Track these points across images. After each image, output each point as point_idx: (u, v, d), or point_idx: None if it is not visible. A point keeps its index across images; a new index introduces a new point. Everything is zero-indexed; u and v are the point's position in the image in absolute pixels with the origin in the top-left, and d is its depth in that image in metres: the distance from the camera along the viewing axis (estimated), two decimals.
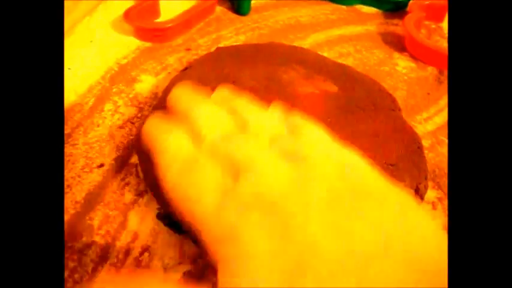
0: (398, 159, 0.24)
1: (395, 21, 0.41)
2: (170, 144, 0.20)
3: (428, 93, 0.33)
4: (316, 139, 0.19)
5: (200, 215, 0.17)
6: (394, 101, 0.28)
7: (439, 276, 0.14)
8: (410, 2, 0.41)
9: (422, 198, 0.23)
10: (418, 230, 0.16)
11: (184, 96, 0.23)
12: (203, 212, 0.17)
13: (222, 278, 0.16)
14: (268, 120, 0.21)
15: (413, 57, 0.36)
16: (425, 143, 0.25)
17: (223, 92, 0.23)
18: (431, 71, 0.35)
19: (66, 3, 0.39)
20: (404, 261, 0.14)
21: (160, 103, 0.28)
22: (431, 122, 0.30)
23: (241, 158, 0.18)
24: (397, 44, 0.38)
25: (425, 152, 0.26)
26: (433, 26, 0.40)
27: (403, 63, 0.36)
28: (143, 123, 0.27)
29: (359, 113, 0.26)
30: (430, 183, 0.25)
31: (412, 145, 0.25)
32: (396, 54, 0.37)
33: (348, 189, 0.17)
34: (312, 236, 0.15)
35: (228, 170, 0.18)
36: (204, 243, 0.17)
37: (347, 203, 0.16)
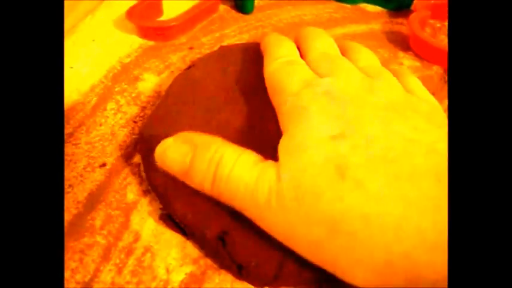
0: None
1: (400, 20, 0.40)
2: (281, 47, 0.26)
3: (434, 93, 0.33)
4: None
5: (284, 93, 0.23)
6: None
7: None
8: (415, 0, 0.41)
9: None
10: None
11: (308, 30, 0.28)
12: (287, 91, 0.22)
13: (283, 143, 0.20)
14: (369, 56, 0.27)
15: (418, 56, 0.36)
16: None
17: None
18: (436, 70, 0.35)
19: (67, 2, 0.39)
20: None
21: (163, 102, 0.27)
22: None
23: (331, 68, 0.23)
24: (402, 43, 0.37)
25: None
26: (438, 25, 0.40)
27: (407, 62, 0.35)
28: (146, 122, 0.27)
29: None
30: None
31: None
32: (401, 53, 0.36)
33: (404, 104, 0.21)
34: (364, 127, 0.19)
35: (318, 73, 0.23)
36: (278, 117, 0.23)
37: (400, 112, 0.20)
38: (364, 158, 0.18)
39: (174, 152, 0.21)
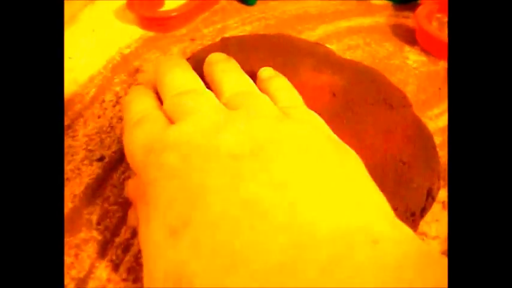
0: (411, 157, 0.23)
1: (406, 13, 0.39)
2: (134, 104, 0.22)
3: (440, 88, 0.32)
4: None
5: (134, 166, 0.20)
6: (404, 96, 0.27)
7: None
8: None
9: (434, 199, 0.22)
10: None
11: (165, 63, 0.24)
12: (134, 162, 0.19)
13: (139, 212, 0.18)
14: (241, 81, 0.23)
15: (425, 51, 0.35)
16: (436, 139, 0.24)
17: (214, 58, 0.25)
18: (442, 65, 0.34)
19: None
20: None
21: None
22: (442, 118, 0.29)
23: (184, 110, 0.20)
24: (408, 36, 0.37)
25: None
26: (445, 19, 0.39)
27: (413, 57, 0.35)
28: None
29: (368, 108, 0.25)
30: (441, 182, 0.24)
31: (425, 143, 0.24)
32: (407, 48, 0.36)
33: (271, 139, 0.18)
34: (208, 199, 0.16)
35: (172, 119, 0.20)
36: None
37: (260, 157, 0.17)
38: (206, 260, 0.15)
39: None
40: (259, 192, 0.16)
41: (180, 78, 0.22)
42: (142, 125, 0.20)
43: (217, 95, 0.21)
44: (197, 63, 0.24)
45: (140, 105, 0.21)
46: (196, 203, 0.16)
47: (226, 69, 0.23)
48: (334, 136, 0.20)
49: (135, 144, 0.19)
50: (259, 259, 0.14)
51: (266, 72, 0.24)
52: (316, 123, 0.21)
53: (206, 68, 0.24)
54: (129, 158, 0.20)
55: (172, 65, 0.23)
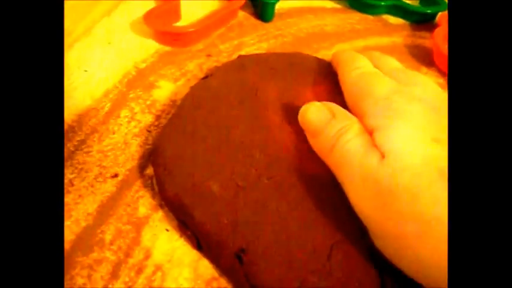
0: None
1: (423, 33, 0.39)
2: (359, 59, 0.28)
3: None
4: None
5: (372, 96, 0.24)
6: None
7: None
8: (439, 14, 0.40)
9: None
10: None
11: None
12: (376, 94, 0.24)
13: (382, 137, 0.21)
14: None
15: (442, 73, 0.35)
16: None
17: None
18: None
19: (84, 3, 0.39)
20: None
21: (178, 112, 0.27)
22: None
23: (410, 80, 0.25)
24: (425, 57, 0.36)
25: None
26: None
27: (431, 79, 0.34)
28: (160, 132, 0.26)
29: None
30: None
31: None
32: (424, 69, 0.35)
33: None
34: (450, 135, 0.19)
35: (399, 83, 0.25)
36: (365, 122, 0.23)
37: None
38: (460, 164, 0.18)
39: (315, 112, 0.24)
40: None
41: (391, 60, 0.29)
42: (378, 75, 0.26)
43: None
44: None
45: (365, 61, 0.28)
46: (443, 132, 0.20)
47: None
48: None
49: (380, 83, 0.24)
50: None
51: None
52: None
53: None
54: (365, 89, 0.25)
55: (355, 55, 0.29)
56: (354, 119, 0.23)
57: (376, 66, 0.27)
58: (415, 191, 0.18)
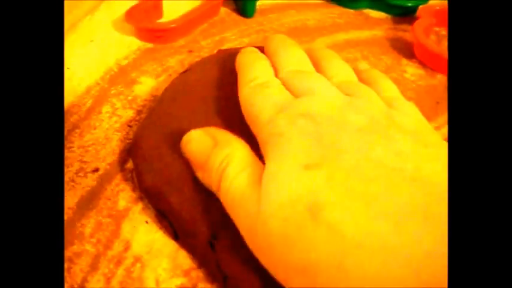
0: None
1: (404, 26, 0.40)
2: (253, 67, 0.25)
3: (438, 102, 0.32)
4: (376, 98, 0.23)
5: (259, 120, 0.21)
6: None
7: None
8: (420, 7, 0.40)
9: None
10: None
11: (278, 39, 0.28)
12: (262, 118, 0.21)
13: (265, 169, 0.19)
14: (343, 66, 0.26)
15: (422, 64, 0.35)
16: None
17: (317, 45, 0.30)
18: (440, 79, 0.34)
19: (67, 2, 0.38)
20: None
21: (157, 105, 0.27)
22: (440, 133, 0.29)
23: (306, 87, 0.22)
24: (406, 50, 0.37)
25: None
26: (443, 32, 0.39)
27: (411, 70, 0.35)
28: (139, 126, 0.26)
29: None
30: None
31: None
32: (404, 61, 0.36)
33: (386, 122, 0.20)
34: (342, 153, 0.18)
35: (293, 93, 0.22)
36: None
37: (381, 133, 0.19)
38: (340, 194, 0.17)
39: (197, 143, 0.22)
40: (386, 156, 0.18)
41: (297, 57, 0.26)
42: (269, 88, 0.23)
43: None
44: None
45: (260, 69, 0.25)
46: (330, 153, 0.18)
47: (328, 57, 0.27)
48: (428, 124, 0.23)
49: (265, 102, 0.22)
50: (393, 202, 0.16)
51: (363, 65, 0.30)
52: (416, 114, 0.23)
53: (312, 53, 0.27)
54: (251, 112, 0.22)
55: (289, 44, 0.27)
56: (237, 144, 0.21)
57: (276, 65, 0.25)
58: (287, 238, 0.17)
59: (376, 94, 0.23)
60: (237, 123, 0.24)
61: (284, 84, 0.23)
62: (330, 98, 0.21)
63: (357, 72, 0.26)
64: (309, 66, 0.25)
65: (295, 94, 0.22)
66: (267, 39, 0.28)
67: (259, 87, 0.23)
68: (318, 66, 0.25)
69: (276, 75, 0.25)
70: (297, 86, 0.23)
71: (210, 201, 0.21)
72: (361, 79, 0.25)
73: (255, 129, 0.22)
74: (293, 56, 0.26)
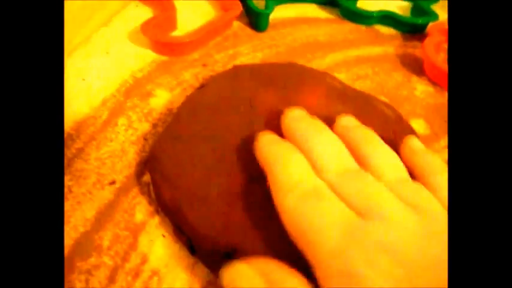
0: None
1: (414, 43, 0.40)
2: (292, 167, 0.20)
3: (447, 121, 0.32)
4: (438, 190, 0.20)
5: (320, 247, 0.17)
6: (412, 130, 0.28)
7: None
8: (430, 24, 0.41)
9: None
10: None
11: (302, 121, 0.23)
12: (324, 244, 0.17)
13: None
14: (390, 158, 0.22)
15: (432, 82, 0.36)
16: None
17: (343, 122, 0.24)
18: None
19: (82, 13, 0.39)
20: None
21: (175, 120, 0.27)
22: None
23: (367, 199, 0.19)
24: (416, 67, 0.37)
25: None
26: None
27: (421, 88, 0.35)
28: (157, 139, 0.27)
29: None
30: None
31: None
32: (414, 78, 0.36)
33: None
34: None
35: (353, 208, 0.19)
36: (316, 276, 0.17)
37: None
38: None
39: (245, 283, 0.18)
40: None
41: (336, 148, 0.22)
42: (323, 201, 0.19)
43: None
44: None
45: (297, 168, 0.20)
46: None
47: (368, 142, 0.23)
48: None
49: (322, 220, 0.18)
50: None
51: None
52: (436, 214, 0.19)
53: (345, 134, 0.23)
54: (305, 233, 0.18)
55: (319, 128, 0.23)
56: (293, 283, 0.17)
57: (309, 157, 0.21)
58: None
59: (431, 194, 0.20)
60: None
61: (334, 190, 0.20)
62: (403, 223, 0.18)
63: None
64: (351, 159, 0.22)
65: (354, 208, 0.19)
66: (285, 118, 0.24)
67: (309, 198, 0.19)
68: (358, 155, 0.22)
69: (317, 173, 0.21)
70: (356, 200, 0.19)
71: (228, 218, 0.22)
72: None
73: (313, 258, 0.18)
74: (330, 147, 0.22)
